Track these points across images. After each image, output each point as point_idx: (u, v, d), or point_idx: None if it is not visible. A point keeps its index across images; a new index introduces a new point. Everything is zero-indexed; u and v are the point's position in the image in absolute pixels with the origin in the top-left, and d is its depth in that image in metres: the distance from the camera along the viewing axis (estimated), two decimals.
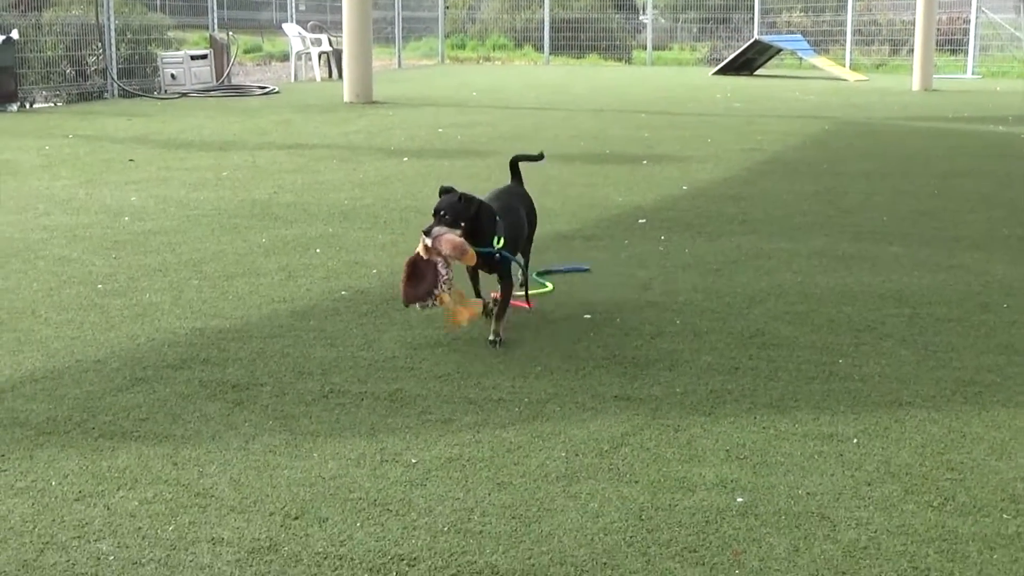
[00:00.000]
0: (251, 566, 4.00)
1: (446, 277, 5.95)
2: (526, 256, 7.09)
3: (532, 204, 7.09)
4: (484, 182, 12.04)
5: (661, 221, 10.05)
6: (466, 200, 6.13)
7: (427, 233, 6.02)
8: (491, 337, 6.39)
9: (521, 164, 7.21)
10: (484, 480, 4.70)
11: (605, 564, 4.03)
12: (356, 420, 5.30)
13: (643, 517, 4.38)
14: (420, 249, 6.03)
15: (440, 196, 6.24)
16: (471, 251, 6.04)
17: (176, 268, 8.22)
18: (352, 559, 4.04)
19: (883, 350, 6.39)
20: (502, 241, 6.25)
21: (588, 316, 6.99)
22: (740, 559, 4.07)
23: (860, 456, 4.96)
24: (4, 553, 4.11)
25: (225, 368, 6.01)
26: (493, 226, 6.22)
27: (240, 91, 24.96)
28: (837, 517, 4.39)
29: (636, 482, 4.69)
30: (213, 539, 4.20)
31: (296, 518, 4.35)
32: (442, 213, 6.05)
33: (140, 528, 4.29)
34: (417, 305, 6.09)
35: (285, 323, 6.83)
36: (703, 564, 4.04)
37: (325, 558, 4.05)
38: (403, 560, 4.05)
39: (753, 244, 9.08)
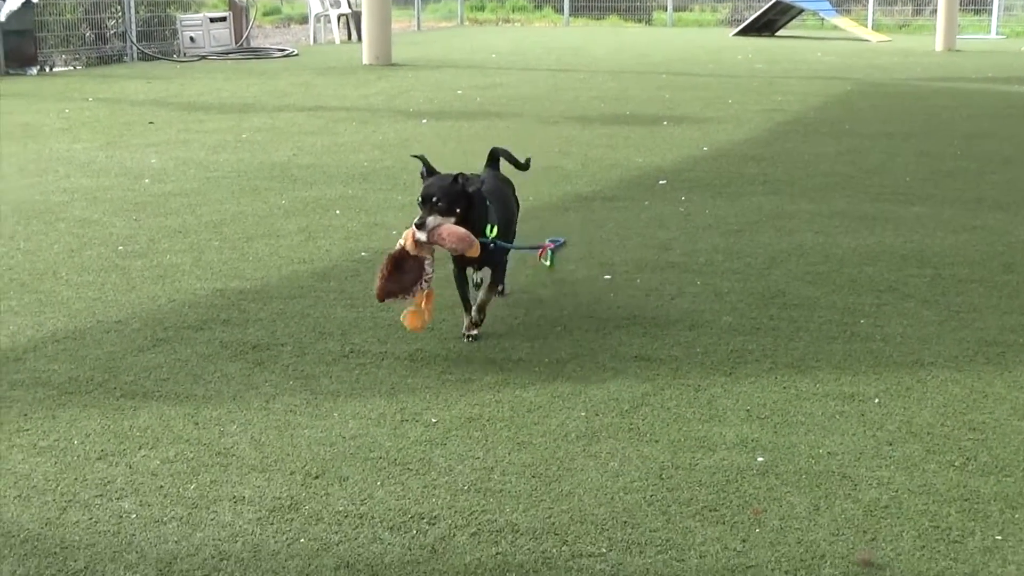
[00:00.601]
0: (272, 524, 4.02)
1: (430, 275, 5.46)
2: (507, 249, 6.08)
3: (515, 192, 6.43)
4: (503, 143, 12.00)
5: (681, 182, 10.00)
6: (464, 181, 5.46)
7: (421, 226, 5.31)
8: (468, 332, 5.83)
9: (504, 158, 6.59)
10: (504, 439, 4.70)
11: (625, 523, 4.03)
12: (376, 380, 5.31)
13: (663, 476, 4.38)
14: (408, 243, 5.39)
15: (424, 177, 5.63)
16: (477, 243, 5.41)
17: (196, 230, 8.22)
18: (372, 517, 4.05)
19: (905, 310, 6.36)
20: (495, 230, 5.59)
21: (608, 277, 6.98)
22: (760, 518, 4.07)
23: (881, 416, 4.94)
24: (28, 511, 4.14)
25: (245, 329, 6.02)
26: (486, 212, 5.58)
27: (259, 54, 24.91)
28: (858, 476, 4.38)
29: (656, 441, 4.68)
30: (234, 497, 4.21)
31: (317, 477, 4.37)
32: (435, 200, 5.35)
33: (162, 487, 4.31)
34: (388, 299, 5.53)
35: (305, 284, 6.84)
36: (723, 523, 4.03)
37: (346, 516, 4.06)
38: (423, 518, 4.06)
39: (774, 205, 9.03)
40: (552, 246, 6.18)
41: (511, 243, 6.01)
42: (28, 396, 5.16)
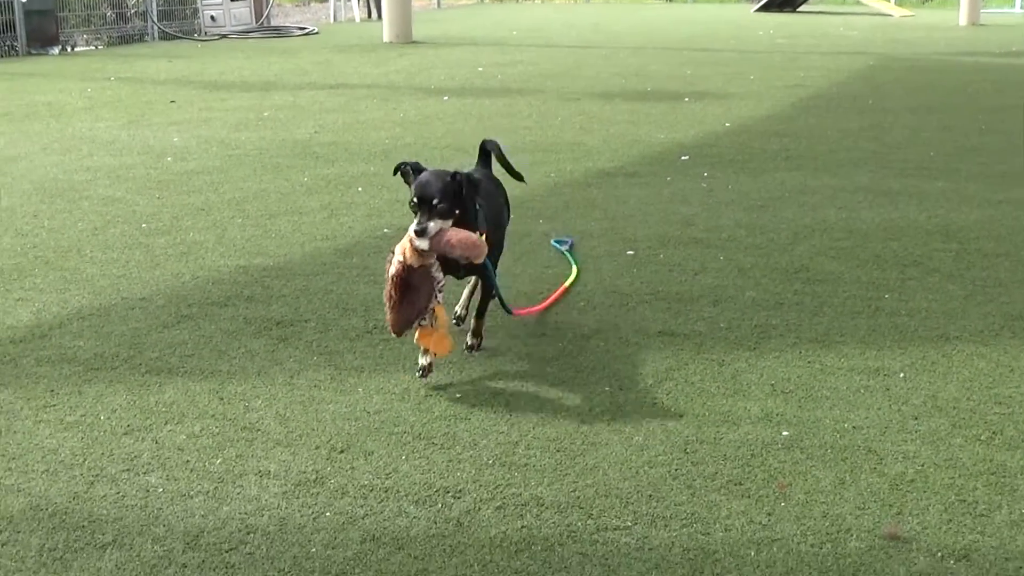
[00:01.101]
0: (298, 498, 4.03)
1: (442, 283, 4.91)
2: (494, 262, 5.36)
3: (507, 197, 5.75)
4: (524, 120, 12.01)
5: (704, 158, 9.96)
6: (465, 180, 4.87)
7: (422, 233, 4.70)
8: (469, 341, 5.37)
9: (498, 156, 5.80)
10: (529, 414, 4.70)
11: (650, 496, 4.03)
12: (400, 355, 5.31)
13: (688, 450, 4.37)
14: (408, 255, 4.77)
15: (406, 175, 5.00)
16: (486, 247, 4.91)
17: (219, 207, 8.24)
18: (398, 491, 4.06)
19: (930, 285, 6.32)
20: (482, 238, 4.95)
21: (631, 253, 6.96)
22: (786, 492, 4.06)
23: (907, 390, 4.92)
24: (55, 485, 4.16)
25: (269, 305, 6.03)
26: (475, 215, 4.99)
27: (279, 32, 24.90)
28: (884, 451, 4.36)
29: (681, 416, 4.68)
30: (260, 472, 4.23)
31: (342, 451, 4.38)
32: (435, 201, 4.72)
33: (188, 461, 4.33)
34: (405, 331, 4.97)
35: (328, 260, 6.85)
36: (748, 496, 4.03)
37: (371, 490, 4.07)
38: (448, 492, 4.07)
39: (797, 180, 8.99)
40: (567, 246, 6.25)
41: (498, 254, 5.52)
42: (54, 372, 5.19)
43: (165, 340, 5.57)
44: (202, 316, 5.89)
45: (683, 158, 9.98)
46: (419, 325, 4.89)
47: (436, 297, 4.85)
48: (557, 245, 6.93)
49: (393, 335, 5.01)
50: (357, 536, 3.78)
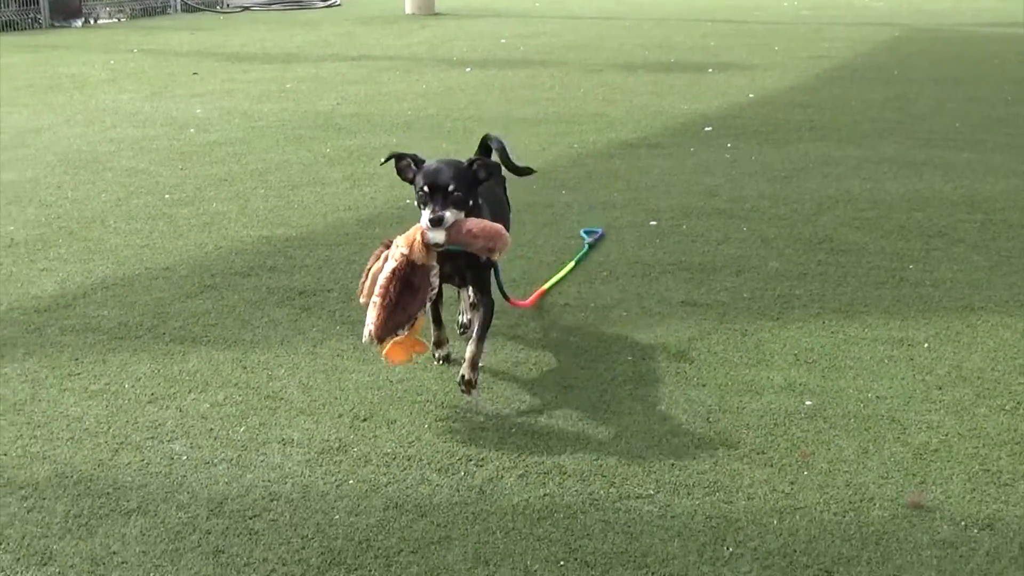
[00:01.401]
0: (321, 466, 4.04)
1: (435, 291, 4.47)
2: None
3: (505, 188, 5.27)
4: (547, 91, 11.97)
5: (727, 129, 9.91)
6: (482, 168, 4.46)
7: (438, 223, 4.23)
8: (464, 374, 4.51)
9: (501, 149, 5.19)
10: (551, 383, 4.70)
11: (673, 465, 4.03)
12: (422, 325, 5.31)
13: (711, 420, 4.37)
14: (415, 250, 4.26)
15: (404, 169, 4.51)
16: (509, 238, 4.43)
17: (242, 178, 8.25)
18: (421, 459, 4.07)
19: (955, 256, 6.28)
20: None
21: (654, 223, 6.94)
22: (808, 460, 4.05)
23: (931, 360, 4.89)
24: (80, 453, 4.19)
25: (292, 275, 6.04)
26: (480, 213, 4.51)
27: (302, 4, 24.86)
28: (907, 420, 4.34)
29: (703, 385, 4.67)
30: (283, 440, 4.25)
31: (364, 420, 4.39)
32: (451, 188, 4.28)
33: (212, 429, 4.35)
34: (388, 337, 4.33)
35: (351, 231, 6.85)
36: (771, 465, 4.02)
37: (394, 458, 4.08)
38: (471, 460, 4.08)
39: (821, 151, 8.94)
40: (592, 239, 6.11)
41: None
42: (79, 341, 5.21)
43: (188, 310, 5.58)
44: (225, 286, 5.91)
45: (706, 129, 9.93)
46: (398, 334, 4.30)
47: (424, 304, 4.41)
48: (584, 236, 6.57)
49: (369, 341, 4.28)
50: (380, 503, 3.79)
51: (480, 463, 4.05)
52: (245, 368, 4.90)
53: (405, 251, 4.23)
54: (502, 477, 3.96)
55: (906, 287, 5.79)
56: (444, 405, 4.50)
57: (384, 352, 4.32)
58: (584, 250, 6.30)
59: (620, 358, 4.93)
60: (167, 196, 7.75)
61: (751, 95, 11.78)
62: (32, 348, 5.14)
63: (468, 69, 13.95)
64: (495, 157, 5.03)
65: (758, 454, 4.10)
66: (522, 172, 5.32)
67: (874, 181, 7.94)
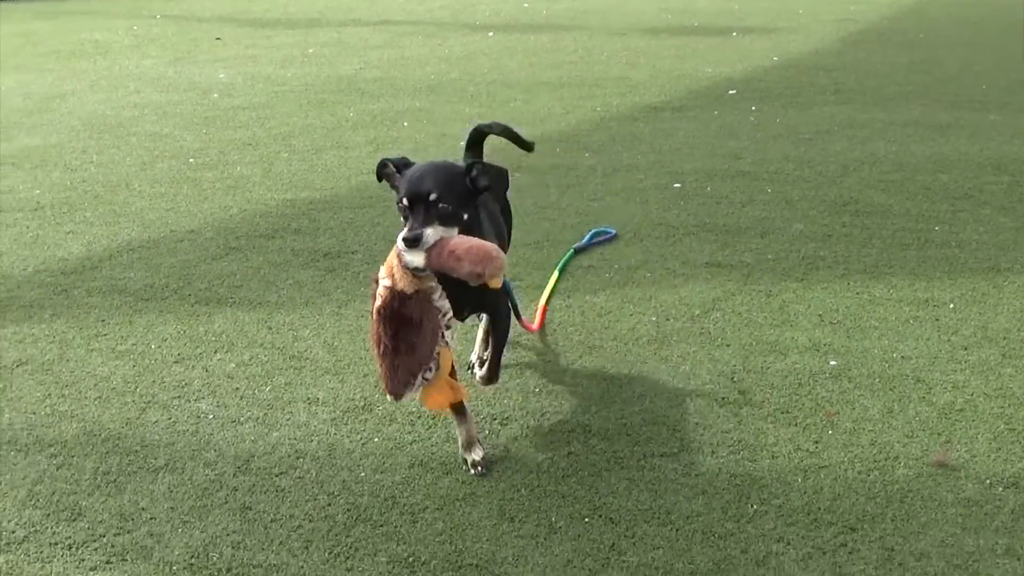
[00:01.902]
0: (346, 424, 4.07)
1: (450, 315, 3.58)
2: None
3: (504, 198, 4.48)
4: (570, 55, 11.91)
5: (752, 92, 9.84)
6: (483, 173, 3.58)
7: (414, 242, 3.38)
8: (482, 372, 4.14)
9: (490, 141, 4.69)
10: (575, 344, 4.71)
11: (697, 424, 4.03)
12: None
13: (735, 379, 4.37)
14: (397, 278, 3.44)
15: (389, 177, 3.65)
16: (504, 260, 3.51)
17: (266, 142, 8.26)
18: (446, 418, 4.08)
19: (981, 217, 6.24)
20: None
21: (678, 185, 6.91)
22: (833, 420, 4.05)
23: (956, 321, 4.88)
24: (108, 411, 4.22)
25: (316, 237, 6.06)
26: (481, 227, 3.71)
27: None
28: (932, 380, 4.33)
29: (728, 345, 4.67)
30: (309, 399, 4.27)
31: None
32: (434, 198, 3.42)
33: (238, 388, 4.38)
34: (408, 391, 3.49)
35: (374, 194, 6.85)
36: (795, 424, 4.02)
37: (419, 417, 4.10)
38: (495, 419, 4.09)
39: (846, 114, 8.87)
40: (583, 243, 5.48)
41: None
42: (105, 303, 5.24)
43: (214, 271, 5.61)
44: (250, 248, 5.93)
45: (730, 92, 9.87)
46: (424, 380, 3.50)
47: (442, 335, 3.53)
48: (587, 237, 5.90)
49: (391, 399, 3.55)
50: (405, 461, 3.82)
51: (504, 422, 4.07)
52: (270, 329, 4.92)
53: (388, 282, 3.43)
54: (526, 436, 3.97)
55: (932, 248, 5.76)
56: (469, 366, 4.51)
57: (425, 404, 3.64)
58: (568, 254, 5.64)
59: (644, 318, 4.93)
60: (191, 160, 7.77)
61: (775, 58, 11.69)
62: (59, 309, 5.18)
63: (491, 33, 13.89)
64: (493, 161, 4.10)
65: (782, 413, 4.10)
66: (526, 144, 4.75)
67: (899, 143, 7.88)
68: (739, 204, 6.52)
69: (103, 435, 4.04)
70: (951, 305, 5.04)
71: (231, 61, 12.05)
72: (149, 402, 4.28)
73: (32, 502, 3.64)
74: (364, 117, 9.04)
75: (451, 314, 3.56)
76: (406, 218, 3.44)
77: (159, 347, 4.76)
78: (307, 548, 3.39)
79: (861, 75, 10.67)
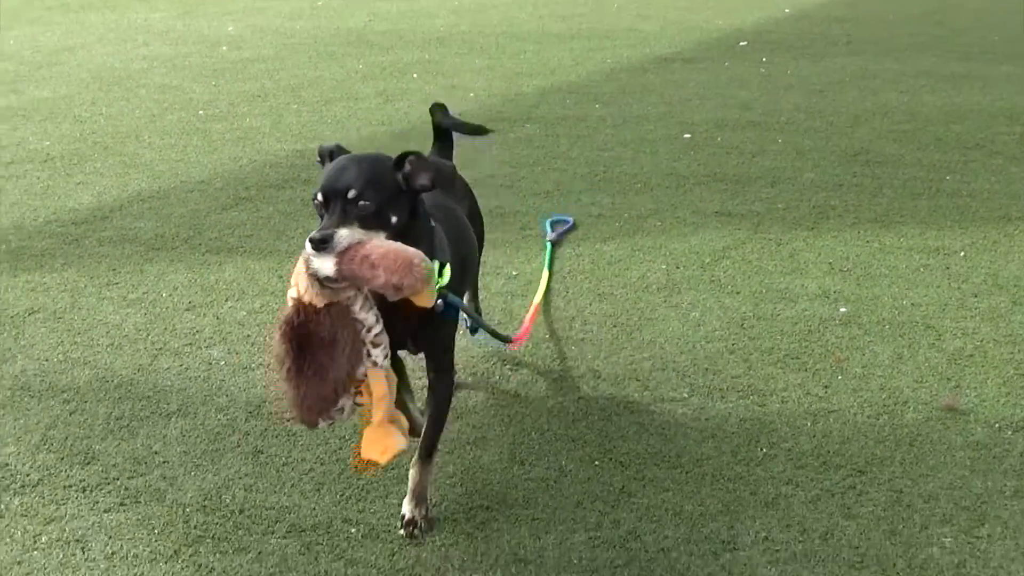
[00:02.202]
0: None
1: (378, 330, 2.94)
2: (474, 291, 4.15)
3: (475, 200, 4.03)
4: (580, 7, 11.83)
5: (763, 43, 9.78)
6: (421, 170, 3.00)
7: (323, 244, 2.81)
8: (406, 513, 3.24)
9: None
10: (585, 291, 4.71)
11: (707, 369, 4.04)
12: None
13: (745, 326, 4.37)
14: (302, 288, 2.88)
15: (323, 158, 3.11)
16: (433, 272, 2.94)
17: (275, 94, 8.24)
18: (456, 364, 4.08)
19: (993, 167, 6.22)
20: (447, 272, 3.12)
21: (688, 136, 6.89)
22: (843, 365, 4.06)
23: (967, 269, 4.87)
24: (120, 358, 4.24)
25: None
26: (432, 237, 3.13)
27: None
28: (942, 327, 4.34)
29: (738, 293, 4.67)
30: None
31: None
32: (353, 195, 2.89)
33: (248, 336, 4.39)
34: (325, 422, 2.94)
35: (384, 144, 6.83)
36: (805, 370, 4.03)
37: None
38: (506, 365, 4.11)
39: (858, 65, 8.82)
40: (555, 235, 4.74)
41: (465, 286, 3.67)
42: (116, 252, 5.26)
43: (224, 221, 5.61)
44: (260, 198, 5.93)
45: (741, 44, 9.81)
46: (355, 407, 2.96)
47: (368, 355, 2.93)
48: (547, 228, 5.21)
49: (301, 426, 3.08)
50: (416, 406, 3.83)
51: (515, 368, 4.08)
52: (280, 277, 4.92)
53: (295, 292, 2.90)
54: (536, 381, 3.99)
55: (943, 198, 5.74)
56: (478, 312, 4.51)
57: (365, 456, 2.99)
58: (548, 249, 5.00)
59: (654, 266, 4.94)
60: (201, 112, 7.76)
61: (787, 10, 11.61)
62: (71, 259, 5.19)
63: None
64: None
65: (792, 359, 4.11)
66: (477, 129, 4.07)
67: (911, 94, 7.84)
68: (749, 154, 6.50)
69: (115, 381, 4.06)
70: (962, 253, 5.03)
71: (240, 13, 11.99)
72: (161, 349, 4.30)
73: (46, 446, 3.67)
74: (373, 69, 9.01)
75: (378, 329, 2.92)
76: (322, 218, 2.92)
77: (170, 295, 4.77)
78: (318, 491, 3.42)
79: (873, 26, 10.60)
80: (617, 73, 8.65)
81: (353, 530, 3.24)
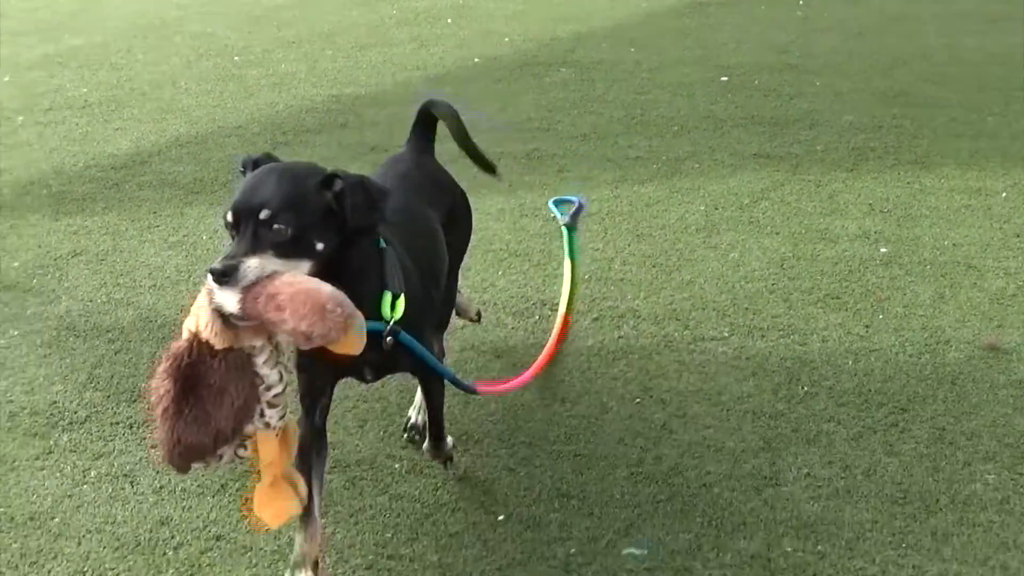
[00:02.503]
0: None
1: (278, 390, 2.55)
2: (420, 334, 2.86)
3: (458, 197, 3.50)
4: None
5: None
6: (353, 190, 2.54)
7: (226, 277, 2.39)
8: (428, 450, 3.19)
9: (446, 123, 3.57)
10: (624, 232, 4.71)
11: (747, 309, 4.04)
12: (494, 178, 5.31)
13: (785, 266, 4.36)
14: (202, 324, 2.46)
15: (245, 169, 2.67)
16: (354, 319, 2.47)
17: (310, 40, 8.22)
18: (496, 303, 4.12)
19: None
20: (399, 305, 2.67)
21: (725, 79, 6.84)
22: (884, 305, 4.04)
23: (1009, 210, 4.83)
24: (163, 299, 4.28)
25: (363, 132, 6.06)
26: (380, 266, 2.68)
27: None
28: (984, 267, 4.31)
29: (777, 234, 4.65)
30: None
31: None
32: (266, 216, 2.45)
33: None
34: (198, 464, 2.53)
35: (419, 90, 6.82)
36: (846, 310, 4.02)
37: (470, 302, 4.12)
38: (545, 305, 4.12)
39: (897, 7, 8.71)
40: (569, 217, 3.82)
41: (435, 318, 3.16)
42: (156, 196, 5.29)
43: None
44: (297, 142, 5.94)
45: None
46: (235, 460, 2.59)
47: (261, 414, 2.54)
48: (555, 209, 4.01)
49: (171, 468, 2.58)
50: (457, 345, 3.85)
51: (554, 307, 4.08)
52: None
53: (192, 326, 2.48)
54: (576, 321, 3.98)
55: (984, 139, 5.69)
56: (518, 254, 4.53)
57: (258, 516, 2.66)
58: (566, 235, 3.89)
59: (692, 208, 4.92)
60: (236, 58, 7.76)
61: None
62: (111, 202, 5.23)
63: None
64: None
65: (833, 299, 4.10)
66: (484, 165, 3.59)
67: (952, 36, 7.74)
68: (787, 97, 6.45)
69: (159, 321, 4.10)
70: (1003, 194, 4.99)
71: None
72: None
73: (92, 385, 3.72)
74: (407, 14, 8.97)
75: (278, 389, 2.52)
76: (232, 236, 2.49)
77: (210, 238, 4.80)
78: (362, 427, 3.45)
79: None
80: (652, 17, 8.58)
81: (396, 466, 3.27)
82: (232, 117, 6.42)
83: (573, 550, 2.89)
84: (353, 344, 2.49)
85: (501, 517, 3.03)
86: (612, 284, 4.25)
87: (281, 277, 2.40)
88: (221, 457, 2.51)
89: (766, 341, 3.83)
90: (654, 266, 4.38)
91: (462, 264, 3.55)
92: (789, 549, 2.86)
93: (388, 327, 2.62)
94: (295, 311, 2.35)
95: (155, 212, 5.09)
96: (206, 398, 2.43)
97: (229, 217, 2.49)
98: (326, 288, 2.41)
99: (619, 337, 3.88)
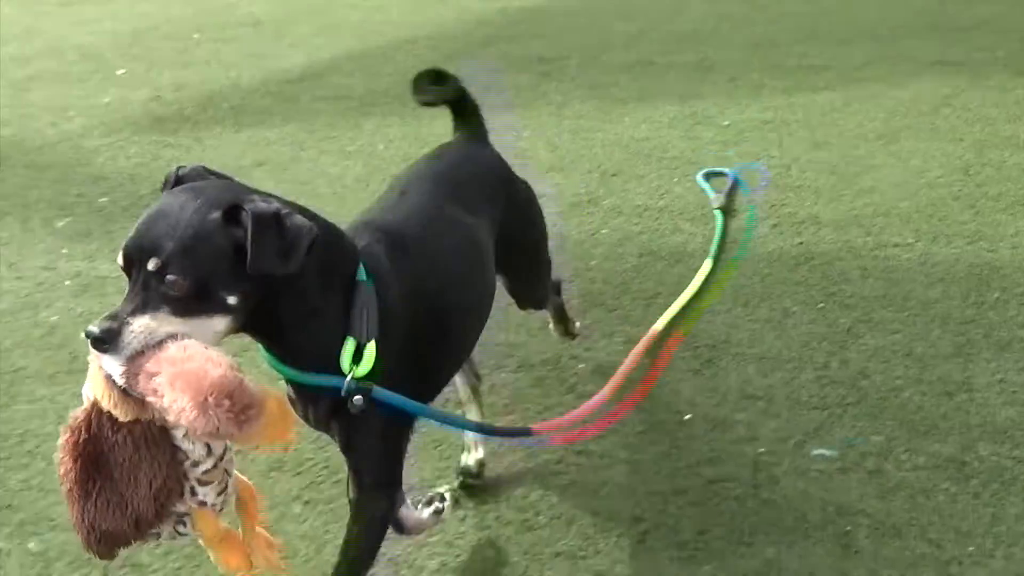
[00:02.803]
0: (574, 217, 4.13)
1: (205, 468, 2.03)
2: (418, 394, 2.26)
3: (517, 192, 3.04)
4: None
5: None
6: (259, 220, 1.87)
7: (108, 341, 1.85)
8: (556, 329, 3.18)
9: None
10: (800, 140, 4.64)
11: (931, 216, 3.96)
12: (665, 87, 5.29)
13: (969, 173, 4.25)
14: (100, 392, 1.93)
15: (164, 187, 2.02)
16: (250, 407, 1.87)
17: None
18: (672, 210, 4.11)
19: None
20: (367, 355, 2.08)
21: None
22: None
23: None
24: (344, 207, 4.34)
25: (530, 43, 6.06)
26: (344, 309, 2.09)
27: None
28: None
29: (960, 140, 4.53)
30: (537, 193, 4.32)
31: (614, 175, 4.44)
32: (155, 266, 1.86)
33: None
34: (125, 550, 2.07)
35: (588, 1, 6.81)
36: None
37: (645, 210, 4.13)
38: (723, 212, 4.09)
39: None
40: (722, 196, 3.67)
41: (444, 376, 2.48)
42: (331, 108, 5.39)
43: None
44: (466, 55, 5.99)
45: None
46: (176, 535, 2.10)
47: (192, 492, 2.06)
48: (704, 184, 4.18)
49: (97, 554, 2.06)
50: (634, 250, 3.86)
51: (733, 214, 4.06)
52: (492, 129, 4.97)
53: (91, 394, 1.98)
54: (756, 226, 3.96)
55: None
56: (692, 162, 4.50)
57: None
58: (720, 222, 3.90)
59: (871, 115, 4.83)
60: None
61: None
62: (289, 115, 5.35)
63: None
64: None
65: (1021, 205, 3.99)
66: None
67: None
68: (966, 3, 6.26)
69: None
70: None
71: None
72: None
73: None
74: None
75: (207, 465, 2.02)
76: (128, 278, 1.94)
77: (386, 148, 4.88)
78: (544, 329, 3.47)
79: None
80: None
81: (581, 366, 3.31)
82: (401, 32, 6.49)
83: (762, 449, 2.89)
84: (276, 433, 1.97)
85: (688, 417, 3.05)
86: (790, 191, 4.20)
87: (169, 348, 1.86)
88: (158, 535, 2.07)
89: (952, 247, 3.75)
90: (833, 173, 4.32)
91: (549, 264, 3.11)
92: (985, 453, 2.82)
93: (349, 382, 2.04)
94: (173, 400, 1.84)
95: (331, 124, 5.19)
96: (117, 478, 1.99)
97: (120, 260, 1.92)
98: (215, 372, 1.83)
99: (799, 243, 3.84)
